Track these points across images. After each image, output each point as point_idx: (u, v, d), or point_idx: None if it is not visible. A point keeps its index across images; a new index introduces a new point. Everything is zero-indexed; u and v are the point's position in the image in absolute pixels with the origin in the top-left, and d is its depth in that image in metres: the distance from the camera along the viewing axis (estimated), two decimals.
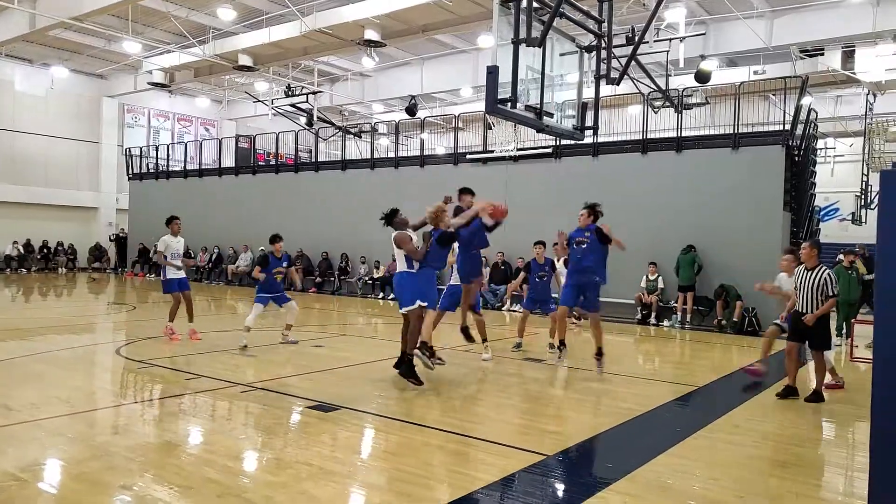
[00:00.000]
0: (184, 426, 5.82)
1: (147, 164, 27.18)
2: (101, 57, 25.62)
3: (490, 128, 18.23)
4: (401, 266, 7.44)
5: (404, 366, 7.24)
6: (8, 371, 7.80)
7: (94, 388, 7.55)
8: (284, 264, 10.06)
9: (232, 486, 4.26)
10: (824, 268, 7.08)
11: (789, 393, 7.20)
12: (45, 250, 27.03)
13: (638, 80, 13.97)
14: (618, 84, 10.23)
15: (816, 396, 7.10)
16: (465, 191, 8.79)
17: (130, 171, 27.15)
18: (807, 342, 7.23)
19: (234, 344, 9.43)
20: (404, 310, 7.33)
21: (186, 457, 4.97)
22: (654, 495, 4.26)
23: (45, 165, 27.30)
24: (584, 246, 8.42)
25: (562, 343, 9.09)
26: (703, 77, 14.89)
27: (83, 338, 10.63)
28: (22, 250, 26.28)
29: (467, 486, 4.31)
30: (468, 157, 17.54)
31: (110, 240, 27.94)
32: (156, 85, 24.12)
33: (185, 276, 10.22)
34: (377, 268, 19.00)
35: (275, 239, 9.92)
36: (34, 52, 25.20)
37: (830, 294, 6.93)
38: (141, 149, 27.92)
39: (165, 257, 9.95)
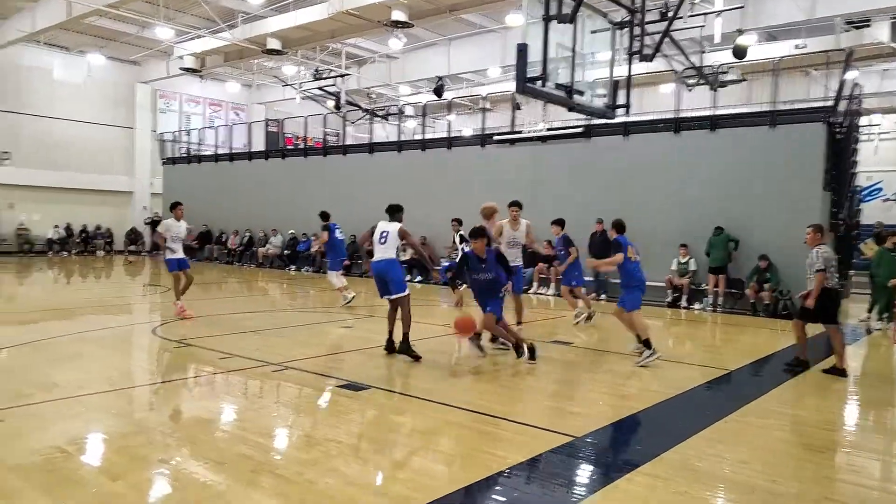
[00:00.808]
0: (217, 404, 5.97)
1: (179, 149, 27.65)
2: (134, 43, 25.99)
3: (518, 108, 18.06)
4: (389, 254, 7.67)
5: (402, 344, 7.54)
6: (53, 350, 8.06)
7: (133, 366, 7.78)
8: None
9: (264, 463, 4.36)
10: (823, 246, 7.40)
11: (798, 364, 7.59)
12: (84, 234, 27.72)
13: (671, 57, 13.69)
14: (651, 61, 10.06)
15: (837, 371, 7.31)
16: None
17: (163, 156, 27.64)
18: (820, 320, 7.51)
19: (264, 325, 9.58)
20: (396, 296, 7.61)
21: (220, 433, 5.11)
22: (682, 478, 4.25)
23: (82, 151, 27.89)
24: None
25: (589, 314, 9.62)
26: (740, 52, 14.53)
27: (121, 318, 10.91)
28: (63, 233, 27.04)
29: (494, 465, 4.35)
30: (495, 138, 17.42)
31: (145, 223, 28.51)
32: (187, 70, 24.39)
33: (184, 256, 11.03)
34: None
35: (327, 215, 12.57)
36: (71, 40, 25.66)
37: (817, 269, 7.29)
38: (174, 133, 28.41)
39: (165, 239, 10.68)
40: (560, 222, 10.73)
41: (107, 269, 21.98)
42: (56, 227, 26.86)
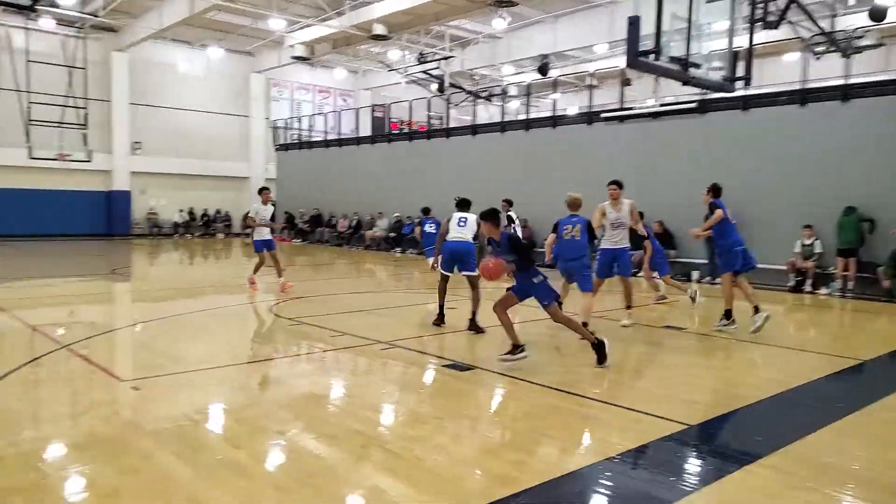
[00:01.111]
0: (329, 379, 6.22)
1: (291, 136, 28.90)
2: (249, 35, 27.33)
3: (627, 84, 17.42)
4: (468, 237, 8.21)
5: (471, 321, 7.98)
6: (180, 326, 8.71)
7: (251, 342, 8.25)
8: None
9: (374, 438, 4.50)
10: None
11: None
12: (206, 217, 29.66)
13: (798, 24, 12.71)
14: (775, 28, 9.38)
15: None
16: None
17: (276, 143, 28.99)
18: None
19: (371, 304, 9.84)
20: (473, 273, 8.03)
21: (332, 408, 5.32)
22: (807, 472, 3.99)
23: (203, 140, 29.75)
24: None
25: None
26: (878, 14, 13.26)
27: (240, 297, 11.60)
28: (187, 217, 29.08)
29: (602, 451, 4.26)
30: (603, 115, 16.91)
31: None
32: (298, 59, 25.39)
33: (271, 238, 11.79)
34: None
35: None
36: (193, 34, 27.36)
37: None
38: (285, 121, 29.72)
39: (255, 221, 11.64)
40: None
41: (226, 251, 23.42)
42: (181, 211, 28.93)
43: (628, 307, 8.71)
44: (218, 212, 30.12)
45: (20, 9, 20.44)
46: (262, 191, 11.99)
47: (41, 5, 20.47)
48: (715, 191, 8.35)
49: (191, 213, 29.32)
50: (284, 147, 28.65)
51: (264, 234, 11.75)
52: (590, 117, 17.43)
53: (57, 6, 21.50)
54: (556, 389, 5.68)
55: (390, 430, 4.79)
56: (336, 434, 4.50)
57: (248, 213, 12.23)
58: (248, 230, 12.50)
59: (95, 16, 23.66)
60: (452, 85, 21.53)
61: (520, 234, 14.14)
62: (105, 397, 5.42)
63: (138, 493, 3.56)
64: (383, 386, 5.97)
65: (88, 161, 23.48)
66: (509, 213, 14.26)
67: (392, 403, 5.46)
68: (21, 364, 6.18)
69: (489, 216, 6.62)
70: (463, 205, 8.58)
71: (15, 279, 13.85)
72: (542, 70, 20.12)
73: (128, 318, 10.16)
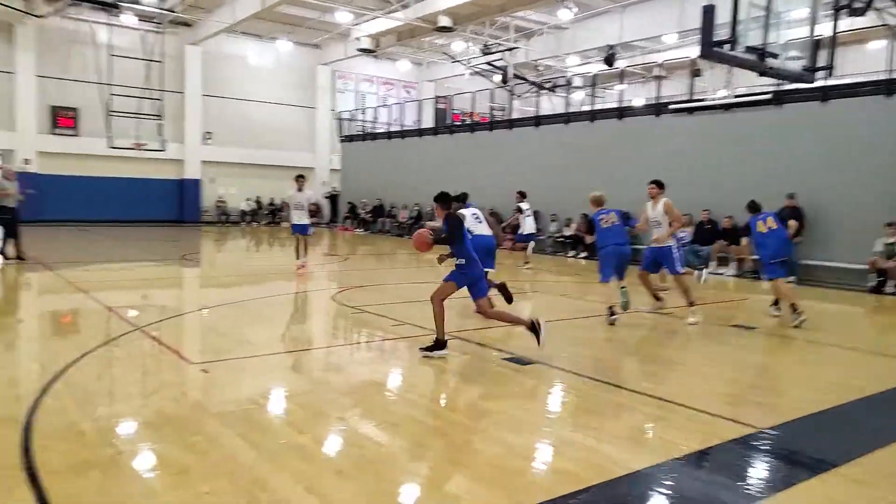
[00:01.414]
0: (390, 368, 6.28)
1: (355, 127, 29.30)
2: (316, 28, 27.80)
3: (697, 74, 16.87)
4: (489, 231, 8.59)
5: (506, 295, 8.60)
6: (245, 311, 8.96)
7: (314, 329, 8.42)
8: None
9: (434, 428, 4.51)
10: None
11: None
12: (272, 206, 30.43)
13: (885, 10, 11.99)
14: (862, 15, 8.87)
15: None
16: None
17: (341, 134, 29.44)
18: None
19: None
20: (490, 269, 8.26)
21: (393, 396, 5.36)
22: (888, 484, 3.77)
23: (270, 131, 30.51)
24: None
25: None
26: None
27: (303, 284, 11.84)
28: (254, 205, 29.93)
29: (667, 451, 4.14)
30: (672, 107, 16.42)
31: (325, 197, 30.67)
32: (363, 51, 25.67)
33: (306, 223, 12.74)
34: (567, 225, 18.73)
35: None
36: (263, 28, 28.04)
37: None
38: (350, 112, 30.15)
39: (289, 206, 12.69)
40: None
41: (291, 239, 23.89)
42: (248, 199, 29.78)
43: (691, 304, 8.48)
44: (284, 201, 30.86)
45: (105, 6, 21.47)
46: (297, 178, 12.88)
47: (124, 2, 21.42)
48: (752, 208, 8.86)
49: (258, 201, 30.14)
50: (349, 138, 29.07)
51: (297, 218, 12.68)
52: (657, 109, 16.97)
53: (138, 3, 22.45)
54: (619, 387, 5.56)
55: (450, 421, 4.78)
56: (397, 422, 4.53)
57: (284, 199, 13.48)
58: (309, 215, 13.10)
59: (173, 11, 24.60)
60: (516, 76, 21.33)
61: (530, 226, 14.66)
62: (175, 378, 5.63)
63: (206, 472, 3.67)
64: (443, 377, 5.98)
65: (163, 150, 24.49)
66: (520, 204, 14.65)
67: (452, 394, 5.46)
68: (98, 345, 6.48)
69: (439, 199, 6.65)
70: (463, 199, 8.87)
71: (94, 263, 14.56)
72: (609, 60, 19.67)
73: (196, 302, 10.53)
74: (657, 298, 8.96)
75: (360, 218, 26.85)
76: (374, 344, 7.24)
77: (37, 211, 24.38)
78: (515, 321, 6.59)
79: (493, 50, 21.53)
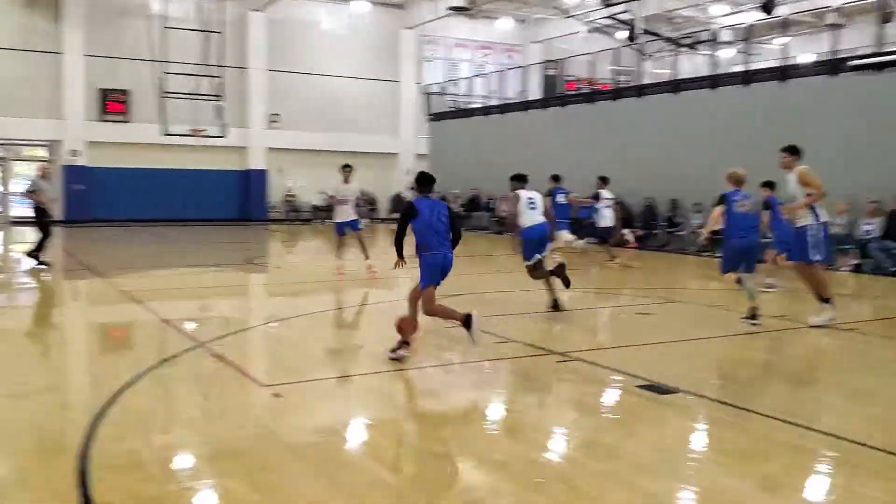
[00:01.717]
0: (493, 395, 6.28)
1: (446, 102, 29.45)
2: None
3: (888, 20, 15.95)
4: (543, 218, 9.43)
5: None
6: (322, 324, 9.27)
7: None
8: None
9: (553, 470, 4.46)
10: None
11: None
12: None
13: None
14: None
15: None
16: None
17: (429, 112, 29.69)
18: None
19: (540, 305, 9.81)
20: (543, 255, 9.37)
21: (500, 429, 5.35)
22: None
23: (346, 109, 31.11)
24: None
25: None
26: None
27: (385, 292, 12.05)
28: (329, 200, 30.69)
29: None
30: (852, 63, 15.59)
31: (410, 188, 31.07)
32: (456, 9, 25.85)
33: (354, 218, 13.40)
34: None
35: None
36: None
37: None
38: (440, 85, 30.30)
39: (336, 199, 13.53)
40: None
41: (370, 240, 24.42)
42: (320, 193, 30.55)
43: (826, 300, 8.53)
44: (362, 193, 31.52)
45: None
46: (344, 168, 13.40)
47: None
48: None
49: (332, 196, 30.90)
50: (438, 116, 29.31)
51: (344, 213, 13.32)
52: (833, 66, 16.24)
53: None
54: (785, 422, 5.28)
55: (572, 462, 4.72)
56: (506, 462, 4.51)
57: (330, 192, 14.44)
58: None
59: None
60: (646, 32, 20.86)
61: (607, 218, 15.63)
62: (242, 403, 5.86)
63: None
64: (561, 407, 5.92)
65: (223, 136, 25.57)
66: (600, 190, 15.63)
67: (573, 429, 5.38)
68: (156, 363, 6.85)
69: (417, 181, 7.41)
70: (522, 179, 9.64)
71: (148, 268, 15.45)
72: (767, 7, 18.89)
73: (265, 314, 10.94)
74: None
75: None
76: (473, 365, 7.26)
77: (84, 210, 26.23)
78: (451, 315, 7.05)
79: (617, 0, 21.15)
